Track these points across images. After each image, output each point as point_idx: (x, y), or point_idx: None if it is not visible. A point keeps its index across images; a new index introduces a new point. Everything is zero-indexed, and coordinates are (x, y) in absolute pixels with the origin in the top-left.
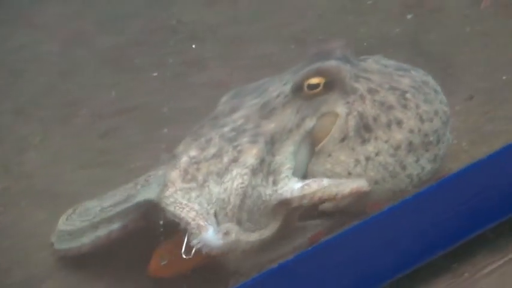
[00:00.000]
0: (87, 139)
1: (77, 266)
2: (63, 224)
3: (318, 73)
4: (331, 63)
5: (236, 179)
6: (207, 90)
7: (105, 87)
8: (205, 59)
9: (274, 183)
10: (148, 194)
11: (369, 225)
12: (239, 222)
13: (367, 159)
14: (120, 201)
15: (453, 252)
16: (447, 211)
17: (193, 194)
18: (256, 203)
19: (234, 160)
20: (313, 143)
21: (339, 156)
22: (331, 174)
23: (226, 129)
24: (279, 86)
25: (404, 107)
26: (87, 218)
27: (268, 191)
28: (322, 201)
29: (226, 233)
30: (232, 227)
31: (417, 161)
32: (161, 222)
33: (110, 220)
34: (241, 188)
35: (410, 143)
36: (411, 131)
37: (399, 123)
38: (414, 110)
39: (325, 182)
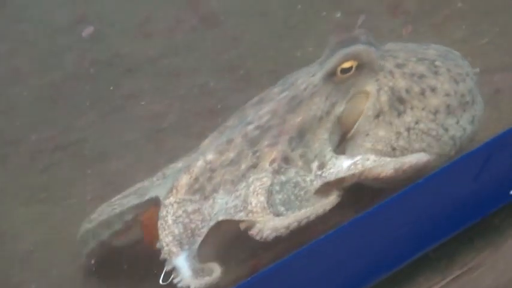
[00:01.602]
0: (27, 176)
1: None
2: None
3: (351, 56)
4: (362, 46)
5: (253, 183)
6: (145, 123)
7: (43, 124)
8: (143, 91)
9: (321, 167)
10: (159, 191)
11: (304, 255)
12: (276, 215)
13: (408, 129)
14: (130, 193)
15: (395, 273)
16: (389, 233)
17: (190, 208)
18: (293, 193)
19: (253, 166)
20: (344, 127)
21: (378, 133)
22: (374, 154)
23: (250, 127)
24: (307, 79)
25: (436, 73)
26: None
27: (309, 178)
28: (379, 177)
29: (205, 273)
30: (215, 268)
31: (457, 122)
32: None
33: (121, 215)
34: (261, 188)
35: (448, 106)
36: (447, 94)
37: (433, 89)
38: (447, 74)
39: (371, 158)
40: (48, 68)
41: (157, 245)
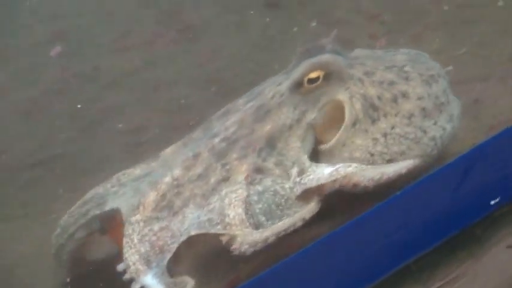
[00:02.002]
0: (6, 192)
1: None
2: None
3: (317, 66)
4: (328, 56)
5: (228, 196)
6: (126, 137)
7: (22, 139)
8: (123, 105)
9: (300, 173)
10: (119, 202)
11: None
12: (257, 227)
13: (385, 135)
14: (87, 202)
15: (376, 285)
16: (370, 245)
17: (156, 227)
18: (273, 201)
19: (224, 179)
20: (318, 136)
21: (355, 142)
22: (351, 162)
23: (216, 140)
24: (273, 88)
25: (406, 78)
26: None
27: (288, 185)
28: (361, 184)
29: (178, 287)
30: (187, 280)
31: (435, 123)
32: None
33: (86, 226)
34: (237, 200)
35: (423, 109)
36: (420, 98)
37: (405, 95)
38: (418, 78)
39: (353, 165)
40: (26, 83)
41: (119, 267)
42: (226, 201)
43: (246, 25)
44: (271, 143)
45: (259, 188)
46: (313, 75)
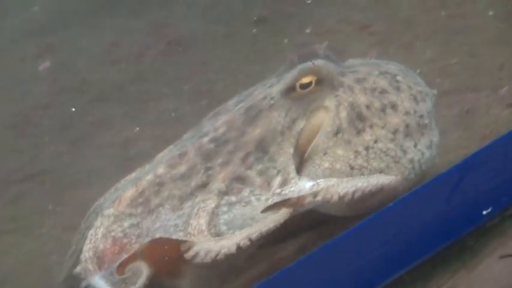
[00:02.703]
0: None
1: None
2: None
3: (310, 71)
4: (321, 61)
5: (198, 205)
6: (115, 150)
7: (11, 153)
8: (112, 118)
9: (283, 184)
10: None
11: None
12: (217, 235)
13: (367, 148)
14: (91, 214)
15: None
16: (363, 256)
17: (127, 223)
18: (242, 212)
19: (203, 185)
20: (302, 145)
21: (336, 151)
22: (330, 173)
23: (205, 139)
24: (264, 90)
25: (397, 89)
26: None
27: (264, 197)
28: (343, 199)
29: (129, 282)
30: (141, 269)
31: (415, 145)
32: None
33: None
34: (203, 211)
35: (407, 126)
36: (407, 113)
37: (394, 106)
38: (408, 91)
39: (334, 180)
40: (14, 97)
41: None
42: (195, 209)
43: (236, 37)
44: (262, 147)
45: (233, 198)
46: (305, 80)
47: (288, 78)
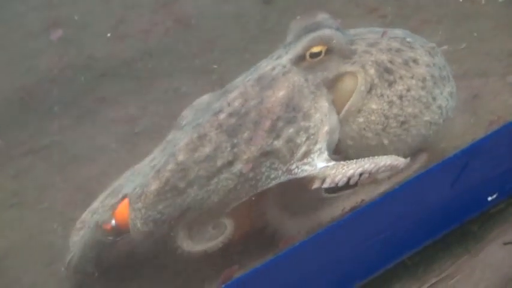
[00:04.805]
0: None
1: None
2: None
3: (320, 41)
4: (329, 30)
5: (221, 182)
6: (120, 126)
7: (15, 128)
8: (117, 94)
9: (306, 154)
10: (129, 187)
11: (284, 259)
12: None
13: (400, 97)
14: (109, 194)
15: (371, 280)
16: (366, 240)
17: (161, 206)
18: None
19: (229, 164)
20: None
21: (371, 107)
22: (365, 126)
23: (222, 116)
24: (271, 61)
25: (411, 47)
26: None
27: (274, 174)
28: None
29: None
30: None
31: (442, 93)
32: None
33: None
34: (224, 190)
35: (432, 76)
36: (428, 65)
37: (415, 60)
38: (421, 48)
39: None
40: (19, 71)
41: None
42: (219, 186)
43: (243, 16)
44: (293, 106)
45: (250, 174)
46: (315, 49)
47: (298, 46)
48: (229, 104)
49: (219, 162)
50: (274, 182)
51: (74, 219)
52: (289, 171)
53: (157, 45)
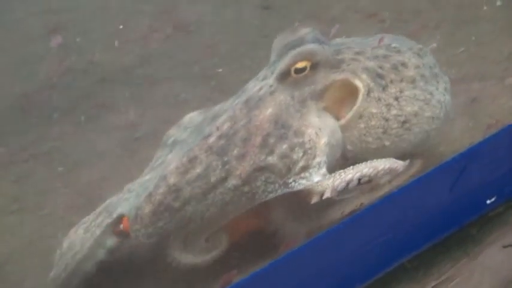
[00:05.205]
0: None
1: None
2: None
3: (303, 57)
4: (312, 46)
5: (217, 196)
6: (120, 132)
7: (15, 134)
8: (117, 100)
9: (303, 168)
10: (124, 206)
11: (283, 263)
12: None
13: (396, 98)
14: (102, 211)
15: (371, 283)
16: (366, 243)
17: (160, 223)
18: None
19: (222, 180)
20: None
21: (371, 111)
22: (366, 132)
23: (212, 139)
24: (258, 82)
25: (398, 51)
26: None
27: (271, 188)
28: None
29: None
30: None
31: (437, 88)
32: None
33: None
34: (222, 202)
35: (422, 75)
36: (417, 67)
37: (403, 64)
38: (409, 51)
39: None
40: (20, 77)
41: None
42: (216, 199)
43: (242, 22)
44: (281, 123)
45: (246, 188)
46: (299, 65)
47: (281, 64)
48: (218, 128)
49: (213, 179)
50: (271, 196)
51: (74, 224)
52: (285, 184)
53: (157, 51)
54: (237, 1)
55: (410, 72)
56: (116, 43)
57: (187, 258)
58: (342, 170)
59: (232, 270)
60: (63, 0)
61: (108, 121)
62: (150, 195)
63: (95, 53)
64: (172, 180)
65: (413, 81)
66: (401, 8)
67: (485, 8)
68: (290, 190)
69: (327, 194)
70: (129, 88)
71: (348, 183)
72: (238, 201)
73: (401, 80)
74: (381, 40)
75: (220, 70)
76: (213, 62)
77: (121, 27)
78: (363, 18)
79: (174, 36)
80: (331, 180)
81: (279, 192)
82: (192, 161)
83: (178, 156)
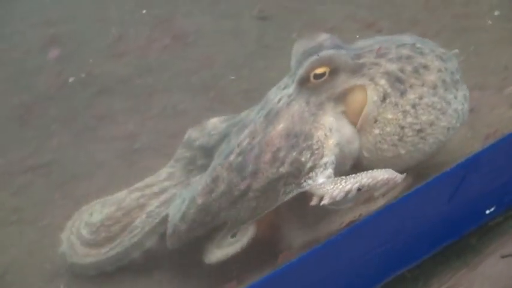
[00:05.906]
0: None
1: None
2: None
3: (321, 63)
4: (330, 52)
5: (244, 203)
6: (118, 143)
7: (14, 145)
8: (116, 111)
9: (311, 168)
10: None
11: (282, 274)
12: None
13: (414, 106)
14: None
15: None
16: (365, 253)
17: (195, 234)
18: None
19: (244, 193)
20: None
21: (386, 116)
22: (381, 139)
23: (232, 157)
24: (279, 92)
25: (421, 53)
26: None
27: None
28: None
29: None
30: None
31: (455, 97)
32: None
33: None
34: (247, 207)
35: (443, 81)
36: (439, 71)
37: (425, 66)
38: (432, 54)
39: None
40: (18, 88)
41: None
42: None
43: (241, 33)
44: (294, 133)
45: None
46: (318, 71)
47: (301, 70)
48: (238, 145)
49: (236, 192)
50: (290, 195)
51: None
52: (298, 184)
53: (156, 62)
54: (235, 12)
55: (431, 77)
56: (114, 54)
57: (217, 252)
58: (343, 177)
59: (231, 281)
60: (62, 11)
61: (106, 132)
62: (183, 215)
63: (93, 64)
64: (200, 201)
65: (434, 87)
66: (400, 18)
67: (483, 18)
68: (302, 190)
69: (325, 202)
70: (127, 99)
71: (346, 194)
72: (264, 204)
73: (422, 85)
74: (378, 50)
75: (232, 77)
76: (212, 73)
77: (119, 38)
78: (361, 28)
79: (172, 47)
80: (331, 187)
81: (295, 192)
82: (215, 180)
83: (204, 177)
